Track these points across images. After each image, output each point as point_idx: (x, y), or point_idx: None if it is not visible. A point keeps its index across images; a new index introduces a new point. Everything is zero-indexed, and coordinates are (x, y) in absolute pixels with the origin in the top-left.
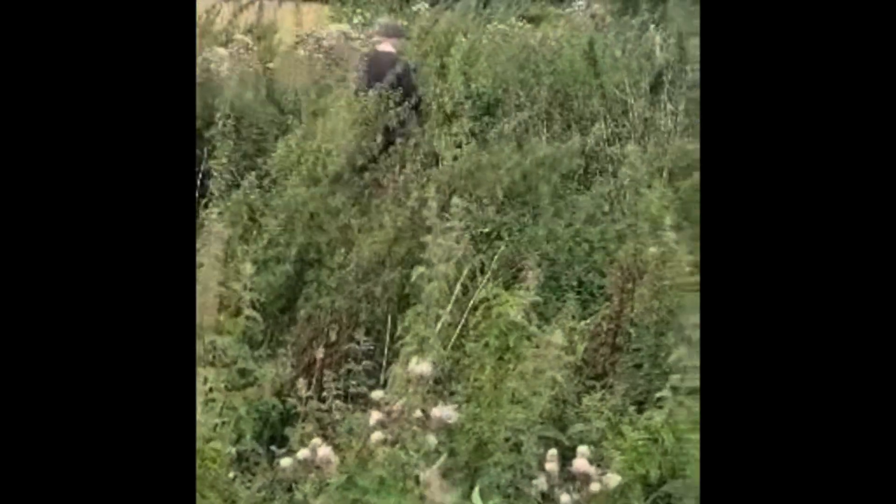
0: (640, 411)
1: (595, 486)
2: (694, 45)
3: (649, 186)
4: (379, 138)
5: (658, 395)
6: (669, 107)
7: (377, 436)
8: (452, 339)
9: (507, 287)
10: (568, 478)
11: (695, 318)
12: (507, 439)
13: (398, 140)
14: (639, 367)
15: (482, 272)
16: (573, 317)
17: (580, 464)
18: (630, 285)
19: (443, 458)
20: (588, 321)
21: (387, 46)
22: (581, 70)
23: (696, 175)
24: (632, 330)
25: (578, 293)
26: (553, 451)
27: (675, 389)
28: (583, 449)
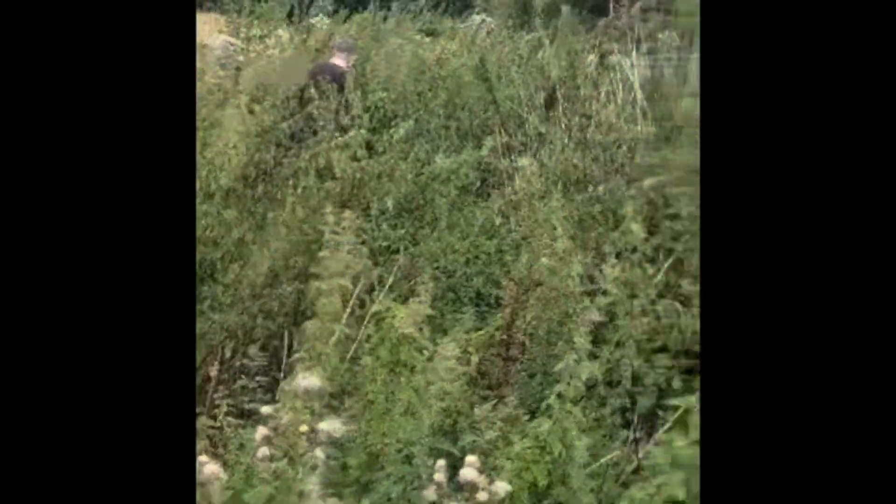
0: (532, 420)
1: (483, 495)
2: (588, 61)
3: (543, 198)
4: (273, 150)
5: (546, 403)
6: (564, 121)
7: (263, 451)
8: (349, 354)
9: (404, 300)
10: (457, 488)
11: (584, 328)
12: (398, 451)
13: (292, 152)
14: (532, 376)
15: (380, 285)
16: (469, 328)
17: (467, 473)
18: (524, 296)
19: (319, 471)
20: (482, 332)
21: (338, 60)
22: (476, 84)
23: (591, 188)
24: (525, 340)
25: (477, 305)
26: (441, 462)
27: (560, 397)
28: (471, 459)
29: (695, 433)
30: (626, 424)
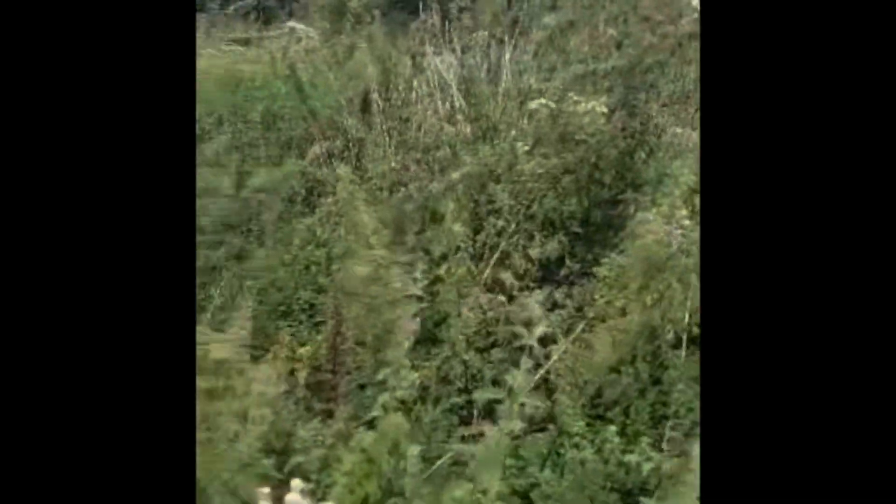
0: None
1: None
2: (403, 64)
3: (364, 203)
4: None
5: (371, 414)
6: (384, 125)
7: None
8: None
9: (223, 322)
10: None
11: (403, 337)
12: (224, 482)
13: None
14: (363, 387)
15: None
16: (304, 341)
17: (292, 499)
18: (345, 307)
19: None
20: (308, 347)
21: None
22: (291, 93)
23: (403, 190)
24: (355, 349)
25: (311, 316)
26: (265, 490)
27: (384, 407)
28: (295, 482)
29: (509, 424)
30: (464, 422)
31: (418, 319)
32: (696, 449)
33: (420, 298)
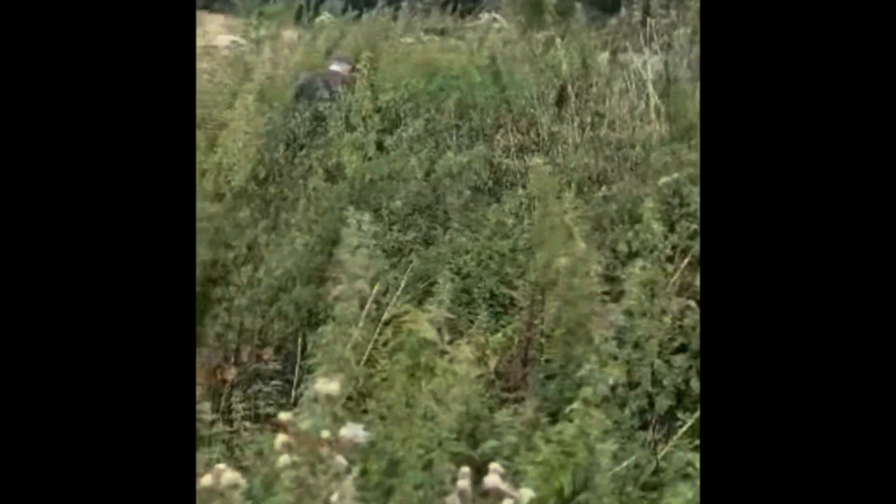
0: (553, 423)
1: (508, 503)
2: (601, 59)
3: (558, 198)
4: (282, 150)
5: (570, 407)
6: (577, 120)
7: (284, 459)
8: (365, 357)
9: (418, 303)
10: (481, 494)
11: (602, 330)
12: (419, 457)
13: (302, 153)
14: (550, 378)
15: (395, 288)
16: (485, 330)
17: (491, 480)
18: (540, 297)
19: (351, 478)
20: (500, 335)
21: (337, 67)
22: (486, 83)
23: (605, 188)
24: (543, 341)
25: (491, 306)
26: (465, 469)
27: (585, 401)
28: (494, 465)
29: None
30: (644, 426)
31: (620, 317)
32: None
33: (613, 295)
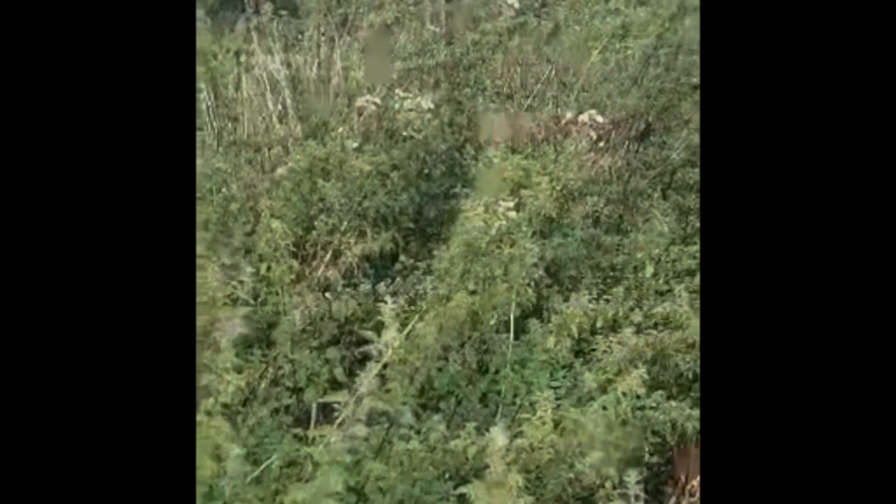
0: None
1: None
2: (229, 63)
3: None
4: None
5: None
6: (215, 125)
7: None
8: None
9: None
10: None
11: (227, 338)
12: None
13: None
14: None
15: None
16: None
17: None
18: None
19: None
20: None
21: None
22: None
23: (225, 187)
24: None
25: None
26: None
27: (208, 412)
28: None
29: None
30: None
31: (239, 325)
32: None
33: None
